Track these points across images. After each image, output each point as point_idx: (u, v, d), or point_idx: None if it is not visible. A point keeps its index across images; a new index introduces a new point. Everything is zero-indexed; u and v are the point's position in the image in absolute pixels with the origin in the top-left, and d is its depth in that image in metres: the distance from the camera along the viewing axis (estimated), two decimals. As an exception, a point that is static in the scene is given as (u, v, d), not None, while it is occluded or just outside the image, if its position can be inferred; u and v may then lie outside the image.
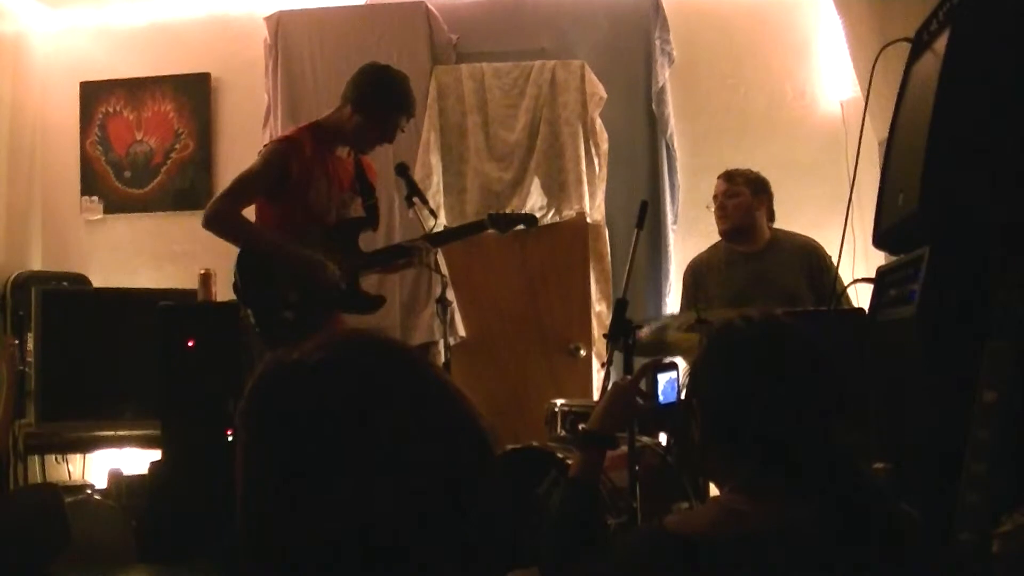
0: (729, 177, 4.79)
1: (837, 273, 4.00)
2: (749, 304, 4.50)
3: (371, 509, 1.04)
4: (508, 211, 5.61)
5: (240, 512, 1.10)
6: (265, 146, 4.36)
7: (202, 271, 5.30)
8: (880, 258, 3.21)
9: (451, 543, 1.08)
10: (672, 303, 5.70)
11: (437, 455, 1.08)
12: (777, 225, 4.83)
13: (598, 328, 5.61)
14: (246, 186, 4.18)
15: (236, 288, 4.15)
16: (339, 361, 1.11)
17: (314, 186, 4.18)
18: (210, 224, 4.09)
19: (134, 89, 6.37)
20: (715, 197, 4.79)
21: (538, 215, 5.70)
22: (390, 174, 4.82)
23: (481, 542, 1.10)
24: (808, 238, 4.76)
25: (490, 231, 4.52)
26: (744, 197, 4.71)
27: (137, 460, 5.33)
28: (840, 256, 3.36)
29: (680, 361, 3.31)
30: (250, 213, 4.26)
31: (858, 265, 3.95)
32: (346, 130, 4.25)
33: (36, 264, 6.30)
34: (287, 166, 4.11)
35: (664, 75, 5.89)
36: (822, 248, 4.64)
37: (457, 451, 1.10)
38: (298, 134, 4.27)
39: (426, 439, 1.08)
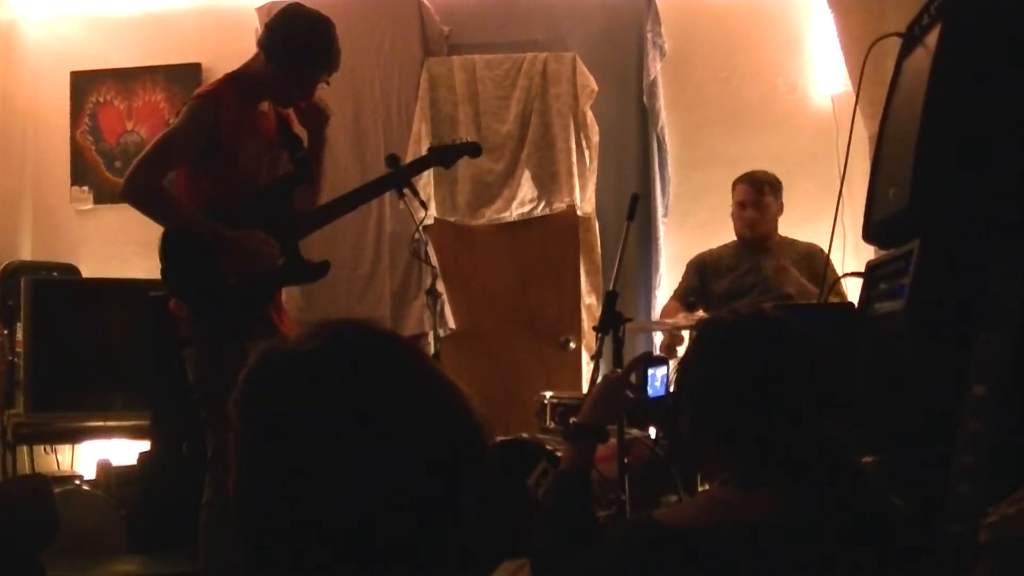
0: (755, 184, 4.82)
1: (829, 264, 4.02)
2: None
3: (369, 504, 1.03)
4: (493, 204, 5.66)
5: (234, 506, 1.09)
6: (185, 103, 3.76)
7: (192, 262, 5.27)
8: (870, 252, 3.22)
9: (448, 537, 1.07)
10: (662, 296, 5.70)
11: (433, 447, 1.07)
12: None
13: (588, 320, 5.62)
14: (168, 149, 3.63)
15: (163, 274, 3.63)
16: (334, 350, 1.10)
17: (243, 145, 3.68)
18: (127, 195, 3.54)
19: (125, 79, 6.33)
20: (741, 203, 4.83)
21: (528, 207, 5.73)
22: (380, 166, 4.80)
23: (477, 535, 1.09)
24: (811, 243, 4.80)
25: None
26: (772, 208, 4.77)
27: (126, 451, 5.32)
28: (830, 250, 3.38)
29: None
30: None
31: (848, 259, 3.98)
32: (264, 82, 3.72)
33: (26, 254, 6.26)
34: (216, 123, 3.59)
35: (656, 68, 5.89)
36: (824, 252, 4.67)
37: (453, 443, 1.09)
38: (221, 86, 3.74)
39: (422, 431, 1.07)
